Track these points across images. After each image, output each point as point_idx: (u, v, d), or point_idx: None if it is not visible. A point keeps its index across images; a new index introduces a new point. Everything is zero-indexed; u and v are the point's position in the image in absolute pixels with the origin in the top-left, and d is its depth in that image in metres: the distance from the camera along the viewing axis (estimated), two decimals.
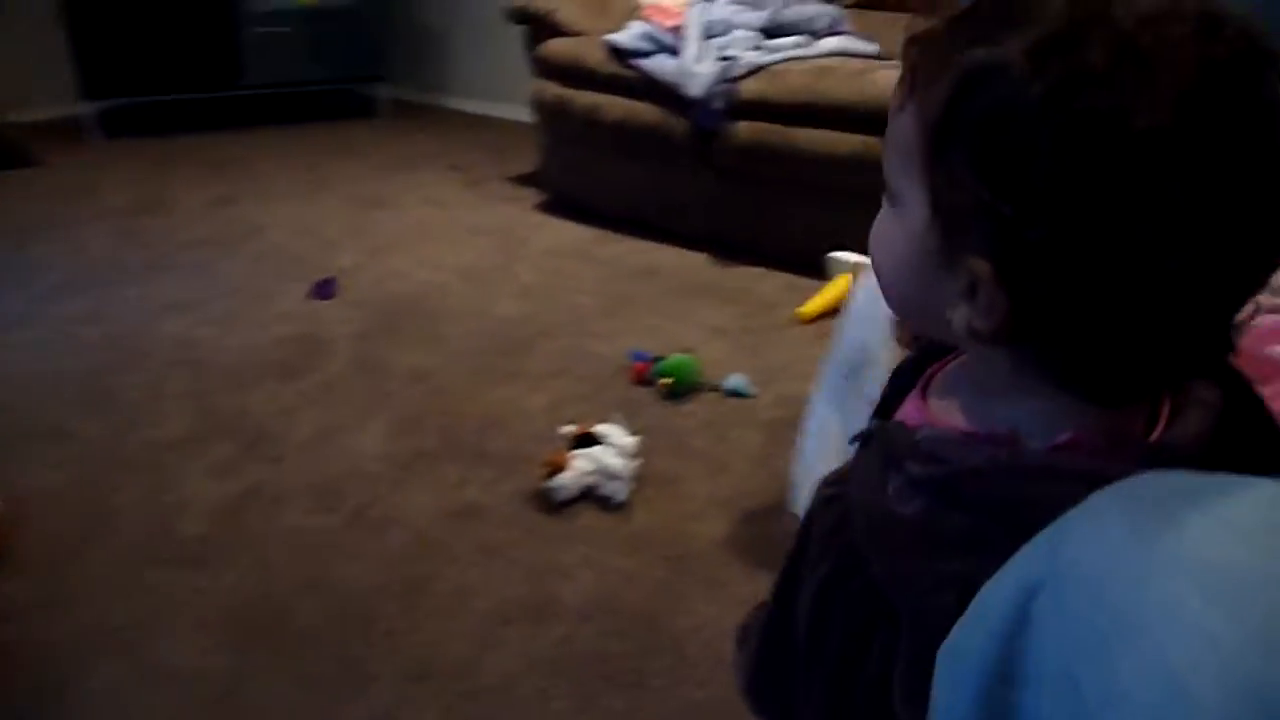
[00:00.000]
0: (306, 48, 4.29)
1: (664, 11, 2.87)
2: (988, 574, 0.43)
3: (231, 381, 2.08)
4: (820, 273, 2.44)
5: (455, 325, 2.36)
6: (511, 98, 4.54)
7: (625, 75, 2.85)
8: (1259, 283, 0.45)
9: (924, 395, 0.59)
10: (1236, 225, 0.42)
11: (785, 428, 1.89)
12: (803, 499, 0.73)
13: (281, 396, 2.02)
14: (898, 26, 2.40)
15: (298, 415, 1.95)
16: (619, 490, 1.65)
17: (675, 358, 2.04)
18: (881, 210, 0.55)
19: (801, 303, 2.42)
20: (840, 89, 2.51)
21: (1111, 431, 0.49)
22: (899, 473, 0.51)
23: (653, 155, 2.89)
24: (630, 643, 1.36)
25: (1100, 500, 0.41)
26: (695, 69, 2.66)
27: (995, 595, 0.42)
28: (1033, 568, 0.41)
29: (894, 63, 2.59)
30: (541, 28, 3.13)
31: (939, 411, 0.56)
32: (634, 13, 3.08)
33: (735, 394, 2.01)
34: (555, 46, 3.02)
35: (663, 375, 2.02)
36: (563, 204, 3.22)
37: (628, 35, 2.82)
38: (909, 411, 0.59)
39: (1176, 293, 0.44)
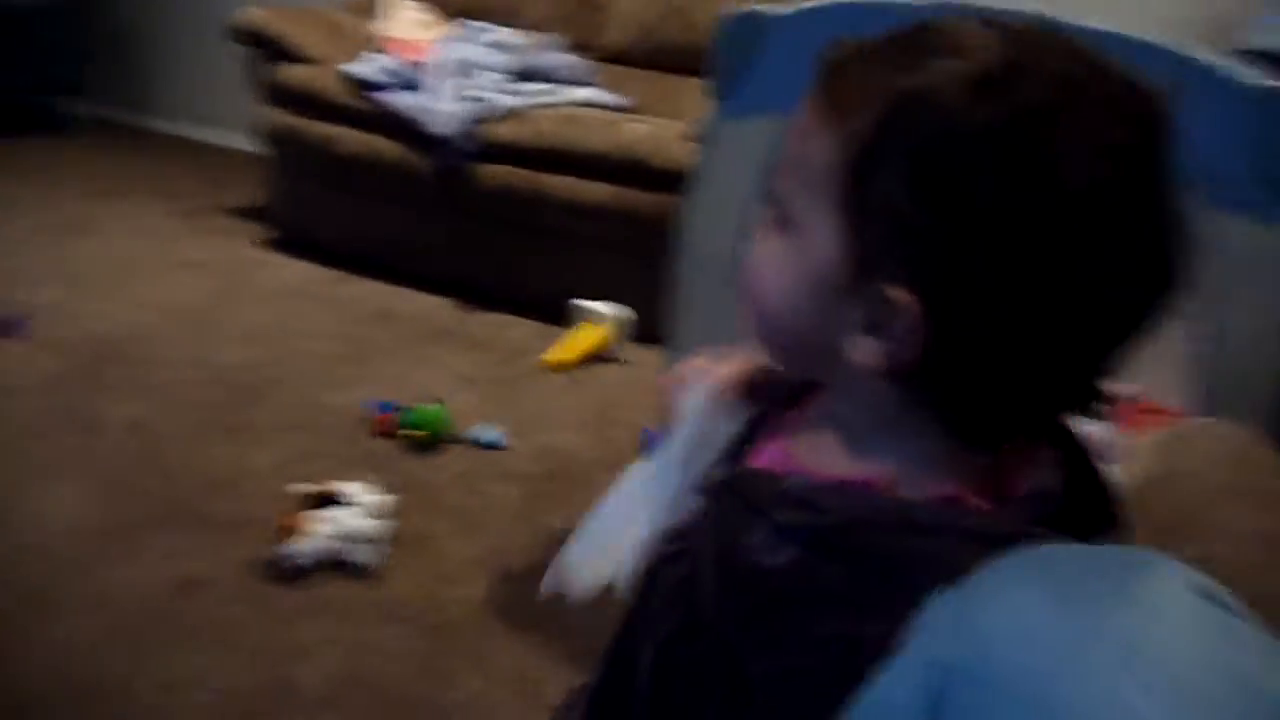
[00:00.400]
0: None
1: (407, 46, 2.77)
2: (872, 635, 0.42)
3: None
4: (567, 320, 2.43)
5: (171, 373, 2.11)
6: (229, 123, 4.22)
7: (364, 108, 2.71)
8: (1143, 331, 0.47)
9: (783, 440, 0.56)
10: (1145, 270, 0.45)
11: (543, 480, 1.83)
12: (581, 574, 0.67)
13: None
14: (646, 82, 2.44)
15: None
16: (367, 554, 1.51)
17: (423, 408, 1.92)
18: (765, 237, 0.52)
19: (550, 350, 2.37)
20: (591, 138, 2.51)
21: (980, 480, 0.49)
22: (764, 522, 0.48)
23: (393, 194, 2.76)
24: None
25: (1008, 573, 0.40)
26: (442, 107, 2.57)
27: (901, 678, 0.39)
28: (941, 647, 0.39)
29: (645, 117, 2.60)
30: (269, 51, 2.92)
31: (807, 456, 0.53)
32: (369, 43, 2.95)
33: (488, 445, 1.92)
34: (288, 73, 2.82)
35: (409, 427, 1.89)
36: (291, 241, 2.99)
37: (369, 67, 2.69)
38: (771, 457, 0.56)
39: (1087, 333, 0.45)
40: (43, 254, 2.75)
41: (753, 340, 0.55)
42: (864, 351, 0.47)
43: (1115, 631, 0.35)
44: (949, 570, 0.41)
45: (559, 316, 2.45)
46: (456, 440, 1.91)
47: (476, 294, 2.70)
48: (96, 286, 2.54)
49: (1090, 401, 0.49)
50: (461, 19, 3.03)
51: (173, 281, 2.63)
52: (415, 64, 2.70)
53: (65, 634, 1.32)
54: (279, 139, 2.86)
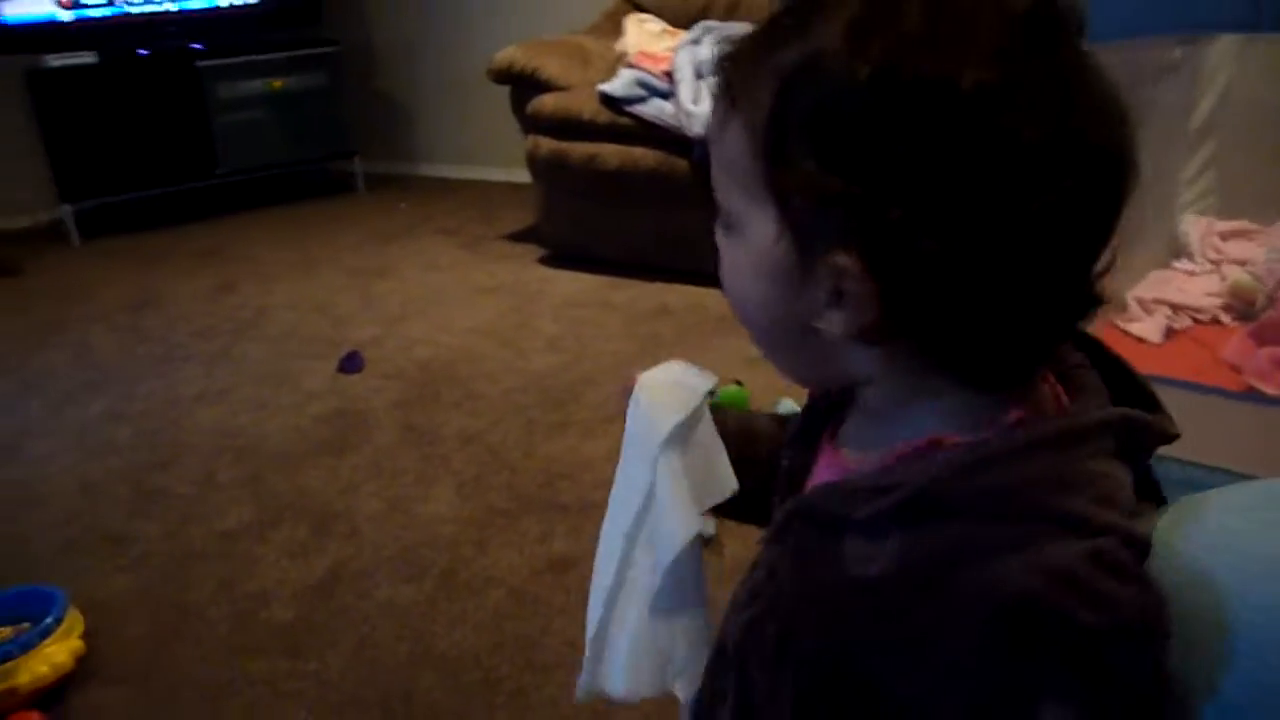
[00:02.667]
0: (278, 130, 4.29)
1: (652, 58, 2.92)
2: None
3: (282, 464, 2.04)
4: None
5: (492, 384, 2.35)
6: (482, 159, 4.58)
7: (620, 123, 2.89)
8: (1109, 231, 0.46)
9: (830, 452, 0.58)
10: (1078, 171, 0.43)
11: None
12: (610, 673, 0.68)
13: (338, 473, 1.99)
14: None
15: (359, 489, 1.92)
16: (708, 525, 1.64)
17: (725, 389, 2.05)
18: (721, 246, 0.53)
19: None
20: None
21: (1032, 407, 0.49)
22: (845, 532, 0.48)
23: (654, 198, 2.92)
24: None
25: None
26: (693, 108, 2.71)
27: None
28: None
29: None
30: (526, 86, 3.16)
31: (857, 459, 0.54)
32: (616, 63, 3.14)
33: (791, 417, 2.01)
34: (546, 102, 3.05)
35: (716, 407, 2.02)
36: (564, 256, 3.23)
37: (620, 83, 2.86)
38: (825, 473, 0.57)
39: (1037, 248, 0.44)
40: (356, 296, 3.11)
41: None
42: (835, 324, 0.47)
43: None
44: (1068, 478, 0.44)
45: None
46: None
47: None
48: (409, 318, 2.85)
49: (1089, 308, 0.48)
50: (694, 23, 3.16)
51: (473, 306, 2.92)
52: (663, 74, 2.84)
53: (479, 608, 1.53)
54: (544, 163, 3.10)
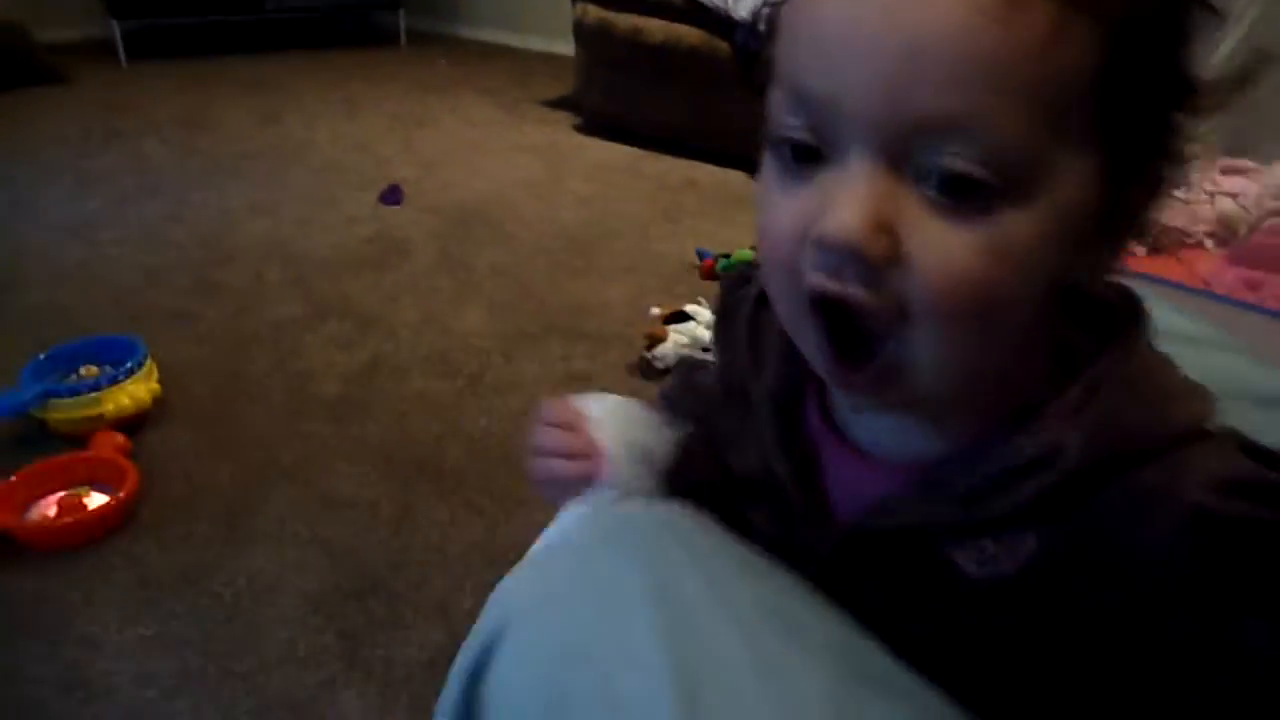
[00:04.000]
0: None
1: None
2: None
3: (328, 273, 2.22)
4: None
5: (523, 229, 2.52)
6: (523, 27, 4.65)
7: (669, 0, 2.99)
8: None
9: (857, 456, 0.49)
10: None
11: None
12: None
13: (380, 285, 2.17)
14: None
15: (399, 301, 2.10)
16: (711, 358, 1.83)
17: (742, 252, 2.22)
18: (952, 232, 0.37)
19: None
20: None
21: None
22: (959, 538, 0.43)
23: (693, 76, 3.03)
24: None
25: None
26: None
27: None
28: None
29: None
30: None
31: (902, 461, 0.47)
32: None
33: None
34: None
35: (730, 268, 2.20)
36: (599, 126, 3.36)
37: None
38: (863, 484, 0.48)
39: None
40: (396, 140, 3.25)
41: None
42: (1106, 265, 0.43)
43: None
44: (1171, 385, 0.44)
45: None
46: None
47: None
48: (447, 166, 3.00)
49: None
50: None
51: (509, 160, 3.06)
52: None
53: (502, 405, 1.73)
54: (590, 31, 3.20)
